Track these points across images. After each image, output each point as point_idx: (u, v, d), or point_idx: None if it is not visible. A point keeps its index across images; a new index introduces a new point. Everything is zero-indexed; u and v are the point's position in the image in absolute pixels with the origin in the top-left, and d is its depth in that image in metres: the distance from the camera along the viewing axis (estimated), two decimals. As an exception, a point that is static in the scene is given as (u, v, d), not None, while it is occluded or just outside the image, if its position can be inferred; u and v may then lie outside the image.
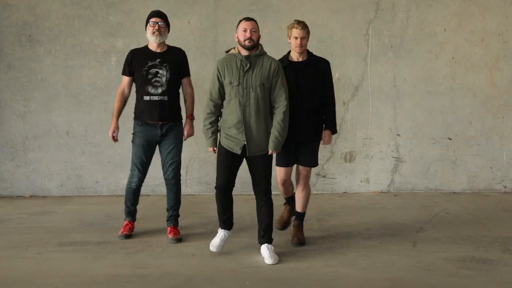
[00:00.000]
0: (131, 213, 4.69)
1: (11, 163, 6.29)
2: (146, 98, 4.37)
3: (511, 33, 6.15)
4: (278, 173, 4.37)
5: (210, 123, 4.01)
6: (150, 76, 4.36)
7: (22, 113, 6.24)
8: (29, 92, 6.21)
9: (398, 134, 6.27)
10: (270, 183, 4.08)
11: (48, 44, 6.16)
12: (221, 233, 4.13)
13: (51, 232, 4.79)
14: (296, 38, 4.17)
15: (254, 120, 3.91)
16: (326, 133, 4.34)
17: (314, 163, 4.39)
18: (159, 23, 4.37)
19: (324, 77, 4.30)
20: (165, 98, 4.36)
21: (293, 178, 4.44)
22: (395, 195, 6.17)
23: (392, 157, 6.29)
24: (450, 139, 6.26)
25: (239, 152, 3.96)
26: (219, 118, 4.08)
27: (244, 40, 3.90)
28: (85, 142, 6.26)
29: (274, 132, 3.94)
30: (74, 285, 3.57)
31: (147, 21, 4.42)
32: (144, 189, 6.25)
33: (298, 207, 4.42)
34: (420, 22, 6.14)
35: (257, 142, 3.95)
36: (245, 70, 3.91)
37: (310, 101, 4.24)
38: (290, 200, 4.54)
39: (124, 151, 6.28)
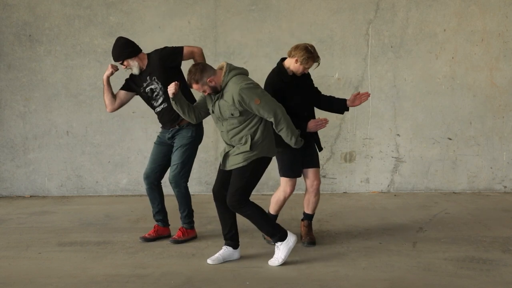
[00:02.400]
0: (155, 216, 4.61)
1: (11, 163, 6.29)
2: (155, 111, 4.52)
3: (511, 33, 6.15)
4: (286, 185, 4.27)
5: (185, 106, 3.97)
6: (150, 94, 4.45)
7: (22, 113, 6.24)
8: (29, 92, 6.21)
9: (398, 134, 6.27)
10: (244, 195, 3.90)
11: (48, 44, 6.16)
12: (223, 248, 4.04)
13: (51, 232, 4.79)
14: (306, 68, 4.15)
15: (235, 142, 3.89)
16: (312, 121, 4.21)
17: (319, 163, 4.48)
18: (120, 64, 4.40)
19: (312, 84, 4.39)
20: (166, 105, 4.41)
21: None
22: (395, 195, 6.16)
23: (392, 157, 6.29)
24: (450, 139, 6.26)
25: (220, 160, 3.99)
26: (193, 113, 4.03)
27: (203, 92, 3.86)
28: (85, 142, 6.26)
29: (285, 137, 3.88)
30: (74, 285, 3.57)
31: None
32: (144, 189, 6.25)
33: (309, 210, 4.45)
34: (420, 22, 6.14)
35: (232, 160, 3.89)
36: (214, 100, 3.87)
37: (313, 107, 4.36)
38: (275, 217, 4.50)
39: (124, 151, 6.28)
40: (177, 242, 4.43)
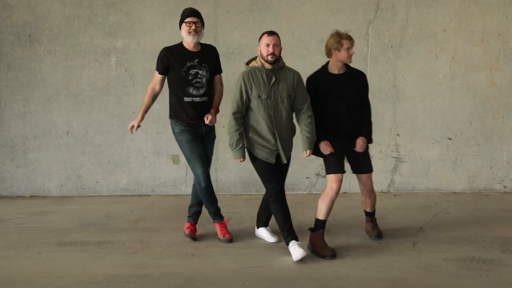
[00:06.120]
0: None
1: (11, 163, 6.29)
2: (188, 99, 4.28)
3: (511, 33, 6.15)
4: (333, 181, 4.28)
5: (239, 134, 4.11)
6: (190, 77, 4.27)
7: (22, 113, 6.24)
8: (29, 92, 6.21)
9: (398, 134, 6.27)
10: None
11: (48, 44, 6.16)
12: (294, 244, 3.98)
13: (51, 232, 4.79)
14: (346, 50, 4.16)
15: (283, 130, 4.12)
16: (360, 140, 4.37)
17: (372, 167, 4.55)
18: (196, 22, 4.25)
19: (362, 89, 4.43)
20: (206, 98, 4.33)
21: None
22: (395, 195, 6.16)
23: (392, 157, 6.29)
24: (450, 139, 6.26)
25: (273, 161, 4.13)
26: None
27: (267, 55, 4.03)
28: (85, 142, 6.26)
29: (305, 133, 4.13)
30: (74, 285, 3.57)
31: (182, 20, 4.29)
32: (144, 189, 6.28)
33: (368, 208, 4.58)
34: (420, 22, 6.14)
35: (288, 149, 4.22)
36: (272, 83, 4.06)
37: (357, 110, 4.33)
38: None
39: (124, 151, 6.28)
40: (195, 239, 4.50)
